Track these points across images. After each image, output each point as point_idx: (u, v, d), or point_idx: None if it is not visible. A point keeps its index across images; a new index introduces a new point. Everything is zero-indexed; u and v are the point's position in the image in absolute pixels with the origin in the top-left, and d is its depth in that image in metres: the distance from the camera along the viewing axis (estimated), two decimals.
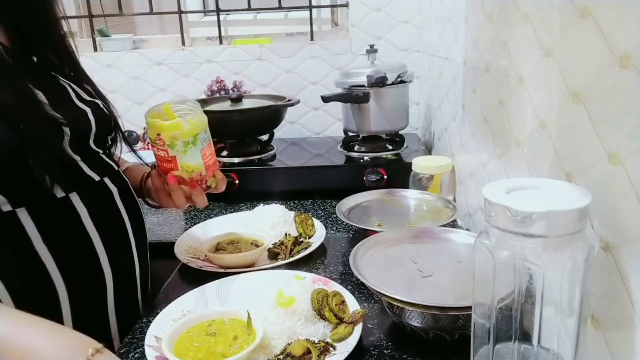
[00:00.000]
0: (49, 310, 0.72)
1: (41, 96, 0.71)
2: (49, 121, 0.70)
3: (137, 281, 0.87)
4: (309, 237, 1.08)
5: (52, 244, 0.71)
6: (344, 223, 1.10)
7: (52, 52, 0.83)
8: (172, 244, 1.05)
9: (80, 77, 0.86)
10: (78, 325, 0.74)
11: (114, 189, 0.82)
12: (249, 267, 0.96)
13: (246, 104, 1.43)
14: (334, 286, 0.84)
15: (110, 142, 0.86)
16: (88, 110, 0.79)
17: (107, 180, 0.82)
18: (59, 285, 0.72)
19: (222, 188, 0.88)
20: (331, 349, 0.70)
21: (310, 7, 1.73)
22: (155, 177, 0.92)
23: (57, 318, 0.73)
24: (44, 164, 0.68)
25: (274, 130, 1.49)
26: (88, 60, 1.70)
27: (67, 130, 0.72)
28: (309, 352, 0.68)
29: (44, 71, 0.78)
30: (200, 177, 0.85)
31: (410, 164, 1.23)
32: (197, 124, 0.82)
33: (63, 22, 0.86)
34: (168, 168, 0.85)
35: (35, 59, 0.79)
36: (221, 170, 0.92)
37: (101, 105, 0.84)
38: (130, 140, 1.47)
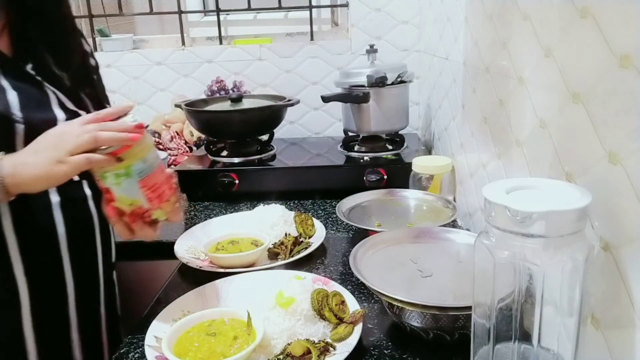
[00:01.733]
0: (6, 292, 0.77)
1: (13, 96, 0.75)
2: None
3: (100, 286, 0.91)
4: (309, 237, 1.08)
5: (20, 234, 0.76)
6: (344, 223, 1.10)
7: (53, 61, 0.84)
8: (172, 244, 1.05)
9: (77, 87, 0.87)
10: (35, 315, 0.79)
11: (89, 192, 0.87)
12: (249, 267, 0.96)
13: (246, 104, 1.43)
14: (334, 286, 0.84)
15: None
16: (62, 117, 0.80)
17: (85, 183, 0.86)
18: (17, 269, 0.77)
19: (177, 219, 0.80)
20: (331, 349, 0.70)
21: (310, 7, 1.73)
22: (104, 204, 0.82)
23: (15, 305, 0.77)
24: None
25: (274, 130, 1.49)
26: None
27: (18, 128, 0.74)
28: (309, 352, 0.68)
29: (31, 77, 0.80)
30: (141, 210, 0.75)
31: (410, 164, 1.23)
32: (129, 154, 0.71)
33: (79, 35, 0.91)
34: (108, 198, 0.76)
35: (31, 65, 0.80)
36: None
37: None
38: None
